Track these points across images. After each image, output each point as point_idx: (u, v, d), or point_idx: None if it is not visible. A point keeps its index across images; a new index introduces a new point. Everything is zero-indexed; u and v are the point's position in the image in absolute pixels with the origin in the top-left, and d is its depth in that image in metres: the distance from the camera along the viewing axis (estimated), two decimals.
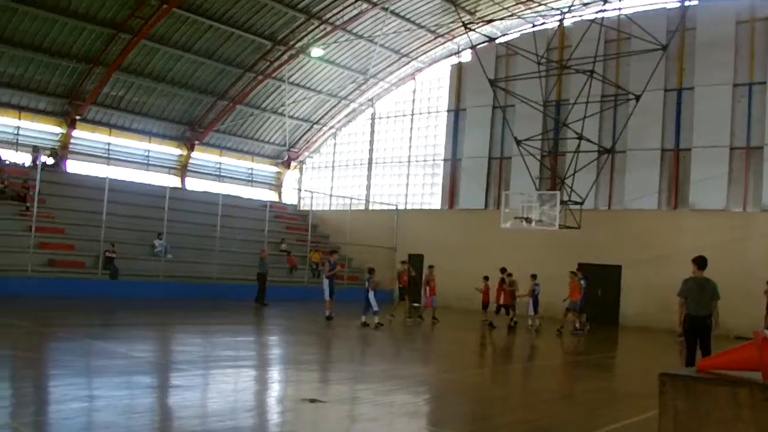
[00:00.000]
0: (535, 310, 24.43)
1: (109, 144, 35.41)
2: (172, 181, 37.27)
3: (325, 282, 22.41)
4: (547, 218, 26.06)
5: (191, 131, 37.68)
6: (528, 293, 24.17)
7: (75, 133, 33.80)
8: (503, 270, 24.84)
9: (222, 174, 40.38)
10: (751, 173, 27.69)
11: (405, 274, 25.10)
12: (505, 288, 24.24)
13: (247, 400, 10.32)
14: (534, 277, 24.49)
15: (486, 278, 25.09)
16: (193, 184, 38.89)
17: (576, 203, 26.91)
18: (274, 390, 11.53)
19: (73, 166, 34.07)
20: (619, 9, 29.86)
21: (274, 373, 13.20)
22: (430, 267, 25.58)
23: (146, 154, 37.12)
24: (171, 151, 38.19)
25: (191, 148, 38.25)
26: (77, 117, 33.10)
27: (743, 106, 28.06)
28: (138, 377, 10.99)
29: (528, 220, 26.37)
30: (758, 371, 3.62)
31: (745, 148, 27.87)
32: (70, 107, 32.76)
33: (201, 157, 39.25)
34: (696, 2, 29.29)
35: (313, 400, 9.81)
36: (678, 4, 29.17)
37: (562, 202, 26.42)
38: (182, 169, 38.59)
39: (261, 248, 28.62)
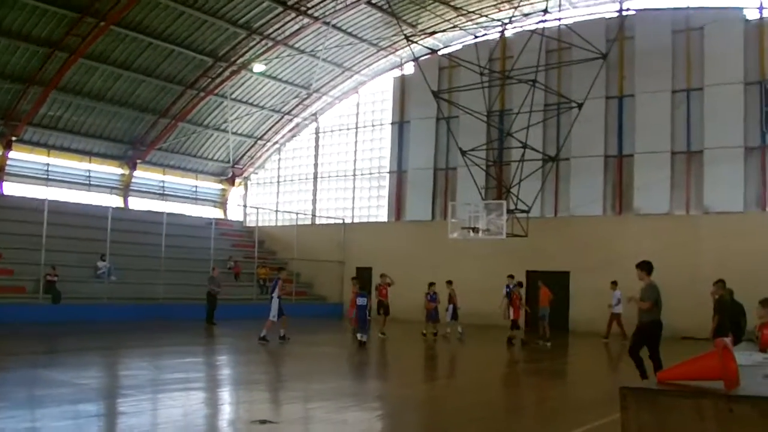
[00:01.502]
0: (454, 317, 24.55)
1: (47, 165, 34.58)
2: (114, 201, 36.54)
3: (275, 301, 21.16)
4: (495, 227, 26.12)
5: (133, 150, 37.03)
6: (427, 303, 24.36)
7: (11, 154, 32.90)
8: (449, 282, 24.85)
9: (166, 192, 39.75)
10: (693, 177, 28.23)
11: (384, 288, 24.89)
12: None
13: (197, 424, 10.03)
14: (450, 283, 24.67)
15: (433, 284, 24.85)
16: (137, 203, 38.21)
17: (522, 211, 27.06)
18: (225, 412, 11.27)
19: (9, 189, 33.19)
20: (559, 19, 30.22)
21: (225, 395, 12.93)
22: (382, 275, 25.50)
23: (87, 174, 36.34)
24: (113, 170, 37.46)
25: (134, 167, 37.57)
26: (13, 138, 32.22)
27: (682, 112, 28.63)
28: (83, 405, 10.62)
29: (475, 230, 26.40)
30: (720, 380, 3.55)
31: (685, 152, 28.42)
32: (5, 128, 31.88)
33: (144, 176, 38.59)
34: (633, 12, 29.81)
35: (264, 422, 9.58)
36: (616, 14, 29.61)
37: (509, 211, 26.52)
38: (125, 188, 37.89)
39: (212, 266, 28.21)
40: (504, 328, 23.12)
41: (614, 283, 24.51)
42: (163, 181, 39.77)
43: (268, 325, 20.65)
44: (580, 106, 26.81)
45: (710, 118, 27.76)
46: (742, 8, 28.08)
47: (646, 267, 13.28)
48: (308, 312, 21.98)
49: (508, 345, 22.09)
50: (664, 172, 28.47)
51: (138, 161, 37.37)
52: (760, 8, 27.68)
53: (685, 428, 3.41)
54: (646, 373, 12.47)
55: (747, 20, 27.88)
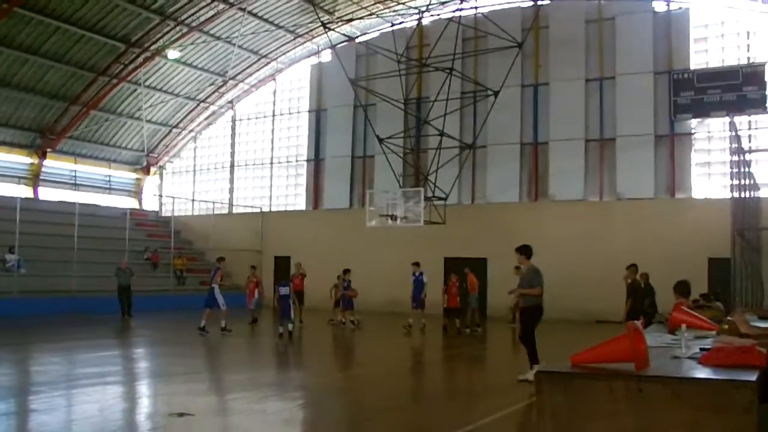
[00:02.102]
0: (349, 306, 24.05)
1: None
2: (22, 191, 35.34)
3: (217, 290, 20.82)
4: (412, 215, 26.28)
5: (43, 138, 35.84)
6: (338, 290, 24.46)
7: None
8: (346, 271, 24.62)
9: (78, 182, 38.66)
10: (606, 164, 28.93)
11: (298, 278, 24.53)
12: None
13: (113, 419, 9.81)
14: (346, 272, 24.48)
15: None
16: (47, 193, 37.05)
17: (440, 199, 27.28)
18: (143, 406, 11.08)
19: None
20: (476, 8, 30.48)
21: (142, 388, 12.70)
22: (297, 265, 25.29)
23: None
24: (20, 159, 36.18)
25: (43, 156, 36.37)
26: None
27: (595, 100, 29.29)
28: None
29: (393, 217, 26.52)
30: (632, 362, 3.65)
31: (599, 140, 29.10)
32: None
33: (54, 165, 37.40)
34: (548, 2, 30.28)
35: (182, 414, 9.46)
36: (531, 3, 30.04)
37: (427, 199, 26.72)
38: (34, 178, 36.67)
39: (121, 260, 27.44)
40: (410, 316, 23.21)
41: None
42: (75, 171, 38.64)
43: (223, 314, 20.63)
44: (496, 94, 27.20)
45: (622, 106, 28.50)
46: (651, 0, 28.87)
47: (525, 251, 12.75)
48: (226, 302, 21.62)
49: (444, 332, 22.36)
50: (578, 159, 29.11)
51: (48, 150, 36.18)
52: (668, 0, 28.51)
53: (598, 409, 3.49)
54: (537, 358, 12.18)
55: (656, 12, 28.73)
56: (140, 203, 42.13)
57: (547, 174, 29.99)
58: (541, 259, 28.79)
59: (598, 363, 3.77)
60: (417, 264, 23.55)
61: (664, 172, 28.05)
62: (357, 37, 34.56)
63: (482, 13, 29.83)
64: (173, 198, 39.15)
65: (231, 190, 39.78)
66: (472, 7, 30.39)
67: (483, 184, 31.35)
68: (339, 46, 33.34)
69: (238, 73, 37.86)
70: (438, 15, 30.36)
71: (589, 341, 3.97)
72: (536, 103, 30.58)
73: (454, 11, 28.38)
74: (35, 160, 36.36)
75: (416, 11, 30.46)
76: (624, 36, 28.73)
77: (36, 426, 9.25)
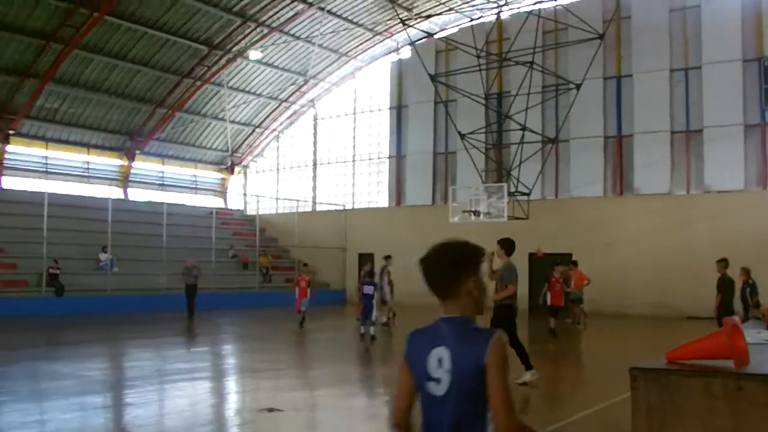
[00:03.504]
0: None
1: (46, 157, 34.52)
2: (114, 192, 36.48)
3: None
4: (496, 210, 26.12)
5: (131, 141, 36.94)
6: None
7: (9, 148, 32.84)
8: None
9: (165, 183, 39.71)
10: (693, 156, 28.15)
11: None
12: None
13: (203, 413, 10.06)
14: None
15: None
16: (136, 194, 38.16)
17: (523, 194, 27.03)
18: (231, 401, 11.31)
19: (8, 183, 33.14)
20: (555, 0, 30.08)
21: (230, 384, 12.96)
22: (305, 264, 24.93)
23: (86, 166, 36.30)
24: (111, 162, 37.40)
25: (132, 158, 37.50)
26: (10, 132, 32.13)
27: (681, 91, 28.52)
28: (88, 397, 10.64)
29: (476, 213, 26.38)
30: (729, 359, 3.54)
31: (685, 131, 28.32)
32: (2, 122, 31.79)
33: (143, 166, 38.52)
34: None
35: (271, 410, 9.61)
36: None
37: (510, 194, 26.51)
38: (124, 179, 37.83)
39: (187, 257, 26.57)
40: None
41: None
42: (162, 172, 39.72)
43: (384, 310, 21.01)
44: (578, 86, 26.76)
45: (709, 96, 27.63)
46: None
47: (506, 245, 11.87)
48: (312, 299, 21.91)
49: (552, 336, 19.94)
50: (663, 151, 28.41)
51: (136, 152, 37.28)
52: None
53: (694, 407, 3.40)
54: (528, 360, 11.52)
55: None
56: (225, 202, 42.98)
57: (632, 167, 29.35)
58: (627, 254, 28.43)
59: (694, 360, 3.68)
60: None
61: (754, 163, 27.11)
62: (436, 33, 34.47)
63: (562, 5, 29.45)
64: (258, 197, 39.78)
65: (314, 188, 40.19)
66: (551, 0, 29.98)
67: (566, 178, 30.89)
68: (418, 42, 33.34)
69: (319, 72, 38.22)
70: (517, 8, 30.08)
71: (682, 339, 3.87)
72: (619, 95, 29.95)
73: (533, 4, 27.98)
74: (125, 162, 37.50)
75: (495, 5, 30.21)
76: (710, 23, 27.84)
77: (131, 419, 9.54)
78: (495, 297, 11.56)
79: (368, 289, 19.19)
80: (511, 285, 11.65)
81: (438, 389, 2.87)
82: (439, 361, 2.87)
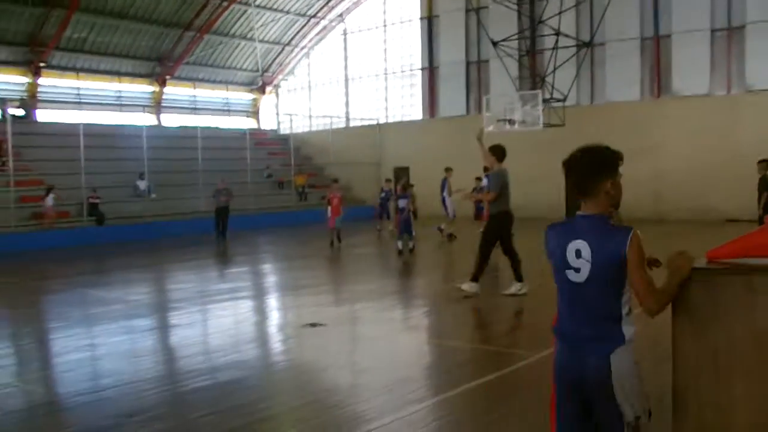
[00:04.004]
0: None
1: (78, 88, 34.67)
2: (147, 119, 36.62)
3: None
4: (531, 118, 25.78)
5: (161, 66, 36.88)
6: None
7: (41, 80, 33.02)
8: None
9: (197, 107, 39.77)
10: (734, 55, 27.29)
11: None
12: None
13: (248, 331, 10.27)
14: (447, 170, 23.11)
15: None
16: (169, 120, 38.31)
17: (558, 101, 26.60)
18: (274, 318, 11.51)
19: (43, 115, 33.43)
20: None
21: (272, 301, 13.17)
22: (334, 181, 24.11)
23: (118, 94, 36.43)
24: (143, 88, 37.47)
25: (163, 84, 37.51)
26: (41, 64, 32.24)
27: None
28: (136, 321, 10.90)
29: (511, 121, 26.07)
30: None
31: (726, 29, 27.40)
32: (32, 55, 31.87)
33: (174, 91, 38.55)
34: None
35: (314, 325, 9.78)
36: None
37: (544, 101, 26.11)
38: (156, 105, 37.93)
39: (219, 179, 26.13)
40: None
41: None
42: (194, 96, 39.76)
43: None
44: None
45: None
46: None
47: (497, 151, 11.66)
48: (348, 215, 22.02)
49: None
50: (703, 51, 27.57)
51: (167, 77, 37.28)
52: None
53: (736, 304, 3.38)
54: (480, 274, 11.52)
55: None
56: (258, 123, 42.99)
57: (670, 69, 28.59)
58: (665, 158, 28.03)
59: (735, 258, 3.63)
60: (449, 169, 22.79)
61: None
62: None
63: None
64: (291, 116, 39.67)
65: (347, 104, 39.95)
66: None
67: (602, 83, 30.27)
68: None
69: None
70: None
71: (722, 240, 3.81)
72: None
73: None
74: (156, 88, 37.55)
75: None
76: None
77: (178, 340, 9.78)
78: (482, 197, 11.71)
79: (403, 203, 19.06)
80: (493, 192, 11.46)
81: (578, 277, 3.31)
82: (578, 252, 3.30)
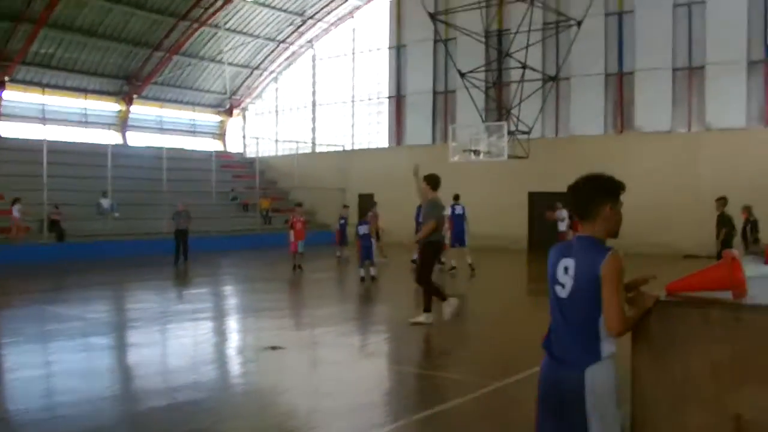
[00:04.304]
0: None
1: (43, 104, 34.34)
2: (112, 137, 36.36)
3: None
4: (496, 149, 26.03)
5: (129, 85, 36.69)
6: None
7: (5, 94, 32.64)
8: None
9: (164, 127, 39.58)
10: (695, 94, 27.89)
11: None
12: None
13: (207, 352, 10.19)
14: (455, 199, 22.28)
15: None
16: (135, 139, 38.04)
17: (523, 132, 26.93)
18: (234, 340, 11.43)
19: (6, 130, 33.01)
20: None
21: (233, 323, 13.08)
22: (298, 205, 23.40)
23: (83, 111, 36.13)
24: (109, 106, 37.21)
25: (130, 103, 37.29)
26: (6, 78, 31.90)
27: (684, 26, 28.06)
28: (94, 338, 10.76)
29: (476, 152, 26.31)
30: (728, 291, 3.58)
31: (687, 68, 28.02)
32: None
33: (141, 111, 38.34)
34: None
35: (274, 348, 9.74)
36: None
37: (510, 133, 26.39)
38: (122, 124, 37.67)
39: (179, 201, 25.14)
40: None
41: (560, 203, 24.13)
42: (161, 116, 39.57)
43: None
44: (579, 23, 26.43)
45: (712, 31, 27.14)
46: None
47: (432, 181, 11.82)
48: (311, 240, 22.01)
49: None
50: (665, 89, 28.14)
51: (134, 96, 37.08)
52: None
53: (693, 337, 3.46)
54: (444, 293, 11.62)
55: None
56: (225, 145, 42.88)
57: (633, 105, 29.12)
58: (626, 193, 28.28)
59: (694, 291, 3.72)
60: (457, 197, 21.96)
61: (757, 101, 26.81)
62: None
63: None
64: (257, 139, 39.64)
65: (314, 130, 40.03)
66: None
67: (567, 116, 30.72)
68: None
69: (317, 12, 37.77)
70: None
71: (681, 274, 3.90)
72: (621, 32, 29.52)
73: None
74: (123, 107, 37.32)
75: None
76: None
77: (137, 359, 9.66)
78: (419, 236, 11.58)
79: (363, 229, 18.88)
80: (432, 221, 11.47)
81: (562, 292, 3.50)
82: (566, 269, 3.49)
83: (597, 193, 3.54)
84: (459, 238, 20.83)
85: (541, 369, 3.63)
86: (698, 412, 3.41)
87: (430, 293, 11.50)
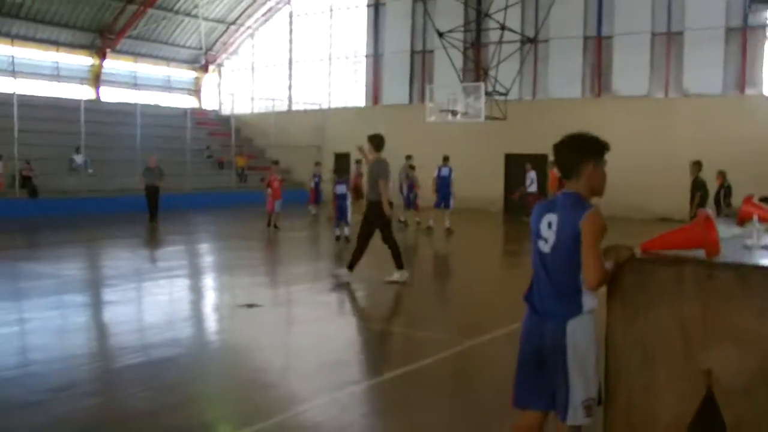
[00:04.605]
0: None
1: (12, 56, 33.67)
2: (85, 92, 35.82)
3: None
4: (473, 110, 25.98)
5: (102, 39, 36.07)
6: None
7: None
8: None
9: (138, 83, 39.06)
10: (672, 59, 27.92)
11: (357, 177, 24.19)
12: None
13: (183, 309, 10.21)
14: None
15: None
16: (109, 94, 37.54)
17: (501, 94, 26.90)
18: (210, 298, 11.43)
19: None
20: None
21: (209, 281, 13.06)
22: (274, 162, 23.31)
23: (55, 65, 35.54)
24: (82, 60, 36.60)
25: (103, 57, 36.70)
26: None
27: None
28: (69, 296, 10.71)
29: (453, 113, 26.24)
30: (701, 249, 3.63)
31: (666, 33, 28.01)
32: None
33: (114, 65, 37.75)
34: None
35: (250, 305, 9.75)
36: None
37: (487, 94, 26.35)
38: (95, 79, 37.10)
39: (150, 158, 24.57)
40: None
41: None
42: (134, 71, 39.01)
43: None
44: None
45: None
46: None
47: (375, 141, 11.85)
48: (287, 198, 21.96)
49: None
50: (643, 53, 28.13)
51: (108, 50, 36.47)
52: None
53: (667, 294, 3.52)
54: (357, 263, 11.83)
55: None
56: (200, 102, 42.44)
57: (611, 69, 29.11)
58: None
59: (668, 250, 3.77)
60: (446, 158, 22.14)
61: (733, 68, 26.87)
62: None
63: None
64: (233, 96, 39.22)
65: (290, 87, 39.70)
66: None
67: (544, 79, 30.67)
68: None
69: None
70: None
71: (656, 235, 3.95)
72: None
73: None
74: (96, 61, 36.73)
75: None
76: None
77: (112, 316, 9.66)
78: (384, 199, 11.51)
79: (340, 189, 18.54)
80: (383, 179, 11.55)
81: (545, 247, 3.63)
82: (549, 225, 3.62)
83: (581, 152, 3.64)
84: (445, 200, 21.17)
85: (523, 323, 3.75)
86: (669, 367, 3.48)
87: (396, 251, 11.67)
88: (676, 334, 3.47)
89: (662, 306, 3.51)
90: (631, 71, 28.24)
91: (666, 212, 24.08)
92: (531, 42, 28.01)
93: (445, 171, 21.51)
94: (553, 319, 3.56)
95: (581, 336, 3.50)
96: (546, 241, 3.62)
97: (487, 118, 26.17)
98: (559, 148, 3.71)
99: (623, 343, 3.62)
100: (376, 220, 11.59)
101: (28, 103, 28.36)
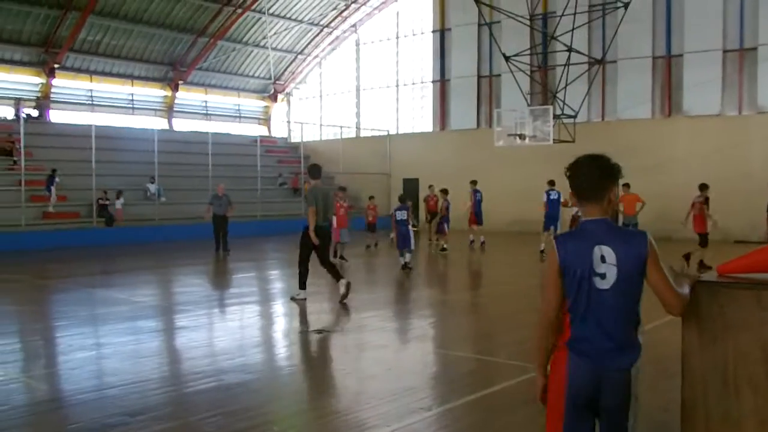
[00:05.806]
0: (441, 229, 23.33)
1: (91, 90, 34.87)
2: (158, 123, 36.78)
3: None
4: (541, 133, 25.75)
5: (174, 71, 37.06)
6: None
7: (55, 81, 33.22)
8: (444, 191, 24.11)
9: (209, 112, 39.91)
10: (745, 75, 27.28)
11: (432, 198, 25.86)
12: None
13: (254, 335, 10.30)
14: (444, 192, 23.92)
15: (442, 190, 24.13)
16: (181, 124, 38.44)
17: (569, 116, 26.60)
18: (280, 324, 11.50)
19: (56, 116, 33.60)
20: None
21: (279, 307, 13.14)
22: (341, 188, 23.79)
23: (130, 97, 36.60)
24: (155, 92, 37.66)
25: (176, 88, 37.69)
26: (55, 65, 32.46)
27: (735, 6, 27.41)
28: (142, 322, 10.93)
29: (521, 136, 26.06)
30: None
31: (738, 50, 27.41)
32: (47, 56, 32.10)
33: (186, 96, 38.72)
34: None
35: (320, 331, 9.78)
36: None
37: (555, 116, 26.10)
38: (168, 110, 38.08)
39: (218, 185, 24.52)
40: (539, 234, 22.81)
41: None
42: (205, 101, 39.89)
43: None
44: (626, 5, 25.92)
45: (765, 11, 26.57)
46: None
47: (310, 171, 12.98)
48: (356, 225, 22.01)
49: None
50: (715, 71, 27.55)
51: (180, 82, 37.45)
52: None
53: (745, 318, 3.40)
54: (305, 285, 12.72)
55: None
56: (269, 130, 43.09)
57: (681, 88, 28.59)
58: (674, 176, 27.93)
59: (745, 273, 3.65)
60: (551, 182, 22.71)
61: None
62: None
63: None
64: (301, 124, 39.72)
65: (358, 114, 40.03)
66: None
67: (613, 100, 30.29)
68: None
69: None
70: None
71: (729, 258, 3.83)
72: (669, 13, 28.99)
73: None
74: (168, 93, 37.70)
75: None
76: None
77: (185, 341, 9.79)
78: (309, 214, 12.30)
79: (401, 215, 18.03)
80: (311, 207, 12.25)
81: (603, 284, 3.29)
82: (602, 258, 3.29)
83: (609, 176, 3.47)
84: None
85: (573, 371, 3.38)
86: (751, 395, 3.36)
87: (303, 274, 12.70)
88: (758, 360, 3.35)
89: (743, 331, 3.39)
90: (702, 90, 27.65)
91: (742, 234, 23.41)
92: (599, 63, 27.69)
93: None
94: (616, 366, 3.27)
95: (637, 374, 3.29)
96: (603, 276, 3.27)
97: (556, 141, 25.92)
98: (583, 169, 3.49)
99: (701, 370, 3.50)
100: (308, 244, 12.39)
101: (105, 135, 29.27)
